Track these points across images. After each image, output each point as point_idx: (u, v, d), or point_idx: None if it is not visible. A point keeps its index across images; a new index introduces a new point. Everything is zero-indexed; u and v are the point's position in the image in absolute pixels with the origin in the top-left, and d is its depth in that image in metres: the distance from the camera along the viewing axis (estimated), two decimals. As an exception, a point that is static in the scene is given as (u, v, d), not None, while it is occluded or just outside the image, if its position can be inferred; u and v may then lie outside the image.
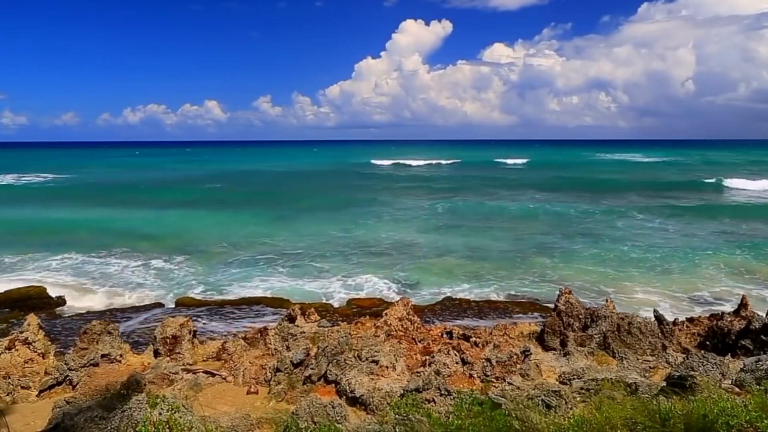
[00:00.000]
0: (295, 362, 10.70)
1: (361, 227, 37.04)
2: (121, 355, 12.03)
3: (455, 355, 10.69)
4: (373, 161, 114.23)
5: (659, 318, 12.75)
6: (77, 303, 20.94)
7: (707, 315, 13.48)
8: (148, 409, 5.92)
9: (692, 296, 20.75)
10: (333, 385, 10.03)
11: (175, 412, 5.85)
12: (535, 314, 18.80)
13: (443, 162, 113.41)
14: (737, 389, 6.49)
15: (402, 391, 8.84)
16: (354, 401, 9.31)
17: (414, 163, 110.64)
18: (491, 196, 55.83)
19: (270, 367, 10.96)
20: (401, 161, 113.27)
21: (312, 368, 10.36)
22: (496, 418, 5.38)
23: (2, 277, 24.13)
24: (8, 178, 77.15)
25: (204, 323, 18.13)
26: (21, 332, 12.14)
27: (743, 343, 11.29)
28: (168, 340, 12.37)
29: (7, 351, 11.69)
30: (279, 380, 10.46)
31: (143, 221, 39.02)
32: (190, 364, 11.86)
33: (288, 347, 12.19)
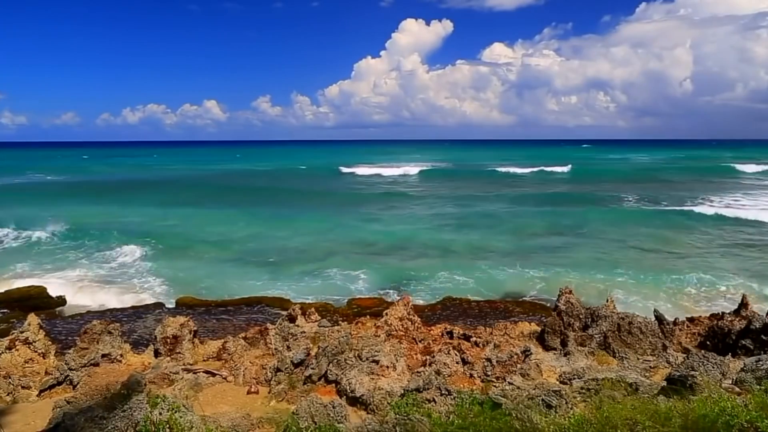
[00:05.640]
0: (295, 362, 10.70)
1: (362, 227, 37.04)
2: (121, 355, 12.03)
3: (456, 354, 10.68)
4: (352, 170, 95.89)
5: (660, 318, 12.75)
6: (78, 303, 20.94)
7: (708, 315, 13.47)
8: (149, 409, 5.92)
9: (692, 296, 20.75)
10: (333, 384, 10.03)
11: (175, 412, 5.86)
12: (536, 314, 18.79)
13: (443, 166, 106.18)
14: (737, 389, 6.49)
15: (402, 391, 8.84)
16: (354, 401, 9.31)
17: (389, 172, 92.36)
18: (491, 196, 55.85)
19: (270, 367, 10.96)
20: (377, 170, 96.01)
21: (312, 368, 10.36)
22: (497, 418, 5.38)
23: (3, 276, 24.14)
24: (3, 179, 76.81)
25: (204, 323, 18.12)
26: (21, 332, 12.16)
27: (744, 342, 11.28)
28: (168, 340, 12.37)
29: (7, 351, 11.70)
30: (279, 380, 10.46)
31: (142, 221, 39.04)
32: (191, 364, 11.86)
33: (288, 347, 12.19)
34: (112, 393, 8.57)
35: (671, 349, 11.76)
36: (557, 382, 9.60)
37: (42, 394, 10.96)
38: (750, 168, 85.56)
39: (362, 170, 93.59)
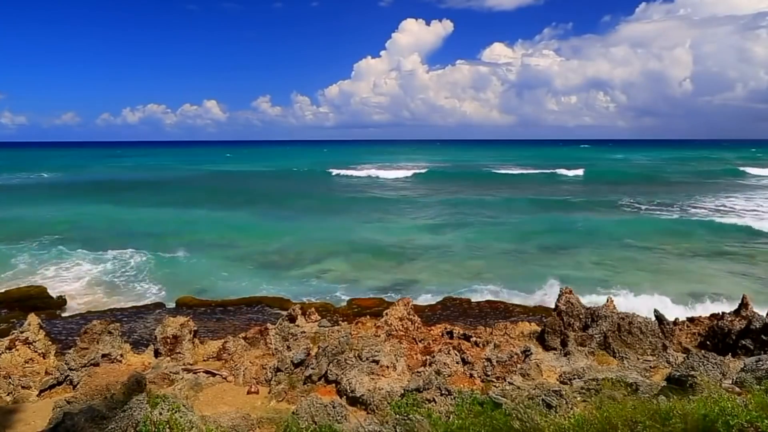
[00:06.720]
0: (295, 362, 10.70)
1: (363, 228, 37.04)
2: (121, 355, 12.03)
3: (456, 354, 10.68)
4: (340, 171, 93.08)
5: (660, 318, 12.74)
6: (78, 303, 20.94)
7: (708, 315, 13.46)
8: (149, 409, 5.92)
9: (693, 296, 20.73)
10: (333, 384, 10.03)
11: (175, 412, 5.86)
12: (536, 314, 18.79)
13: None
14: (738, 389, 6.49)
15: (402, 391, 8.84)
16: (354, 401, 9.31)
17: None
18: (491, 197, 55.84)
19: (270, 367, 10.97)
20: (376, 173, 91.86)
21: (312, 368, 10.36)
22: (497, 418, 5.38)
23: (3, 275, 24.14)
24: (3, 179, 76.77)
25: (204, 323, 18.12)
26: (21, 332, 12.16)
27: (744, 342, 11.28)
28: (168, 340, 12.37)
29: (7, 351, 11.70)
30: (279, 380, 10.46)
31: (142, 221, 39.03)
32: (191, 364, 11.86)
33: (288, 347, 12.20)
34: (112, 393, 8.57)
35: (671, 349, 11.76)
36: (557, 382, 9.60)
37: (42, 394, 10.96)
38: (756, 170, 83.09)
39: (362, 171, 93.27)
